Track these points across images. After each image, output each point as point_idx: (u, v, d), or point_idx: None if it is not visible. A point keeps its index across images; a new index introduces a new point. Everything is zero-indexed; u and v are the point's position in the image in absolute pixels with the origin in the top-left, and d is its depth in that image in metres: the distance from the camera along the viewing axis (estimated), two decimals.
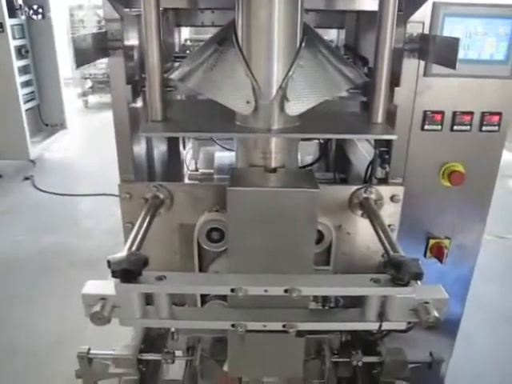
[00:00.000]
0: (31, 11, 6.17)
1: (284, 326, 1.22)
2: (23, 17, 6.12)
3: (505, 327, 3.47)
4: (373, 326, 1.25)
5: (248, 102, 1.28)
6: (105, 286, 1.21)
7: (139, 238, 1.43)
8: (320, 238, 1.52)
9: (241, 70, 1.29)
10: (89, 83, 9.73)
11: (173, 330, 2.00)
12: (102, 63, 9.81)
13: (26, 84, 6.43)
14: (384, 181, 1.92)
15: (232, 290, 1.16)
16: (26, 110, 6.43)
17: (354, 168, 2.59)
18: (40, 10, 6.23)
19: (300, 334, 1.28)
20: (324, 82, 1.34)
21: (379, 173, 1.94)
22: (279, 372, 1.45)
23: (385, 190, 1.83)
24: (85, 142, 7.50)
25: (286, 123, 1.34)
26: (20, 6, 5.92)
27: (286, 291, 1.17)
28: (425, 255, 2.07)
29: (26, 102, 6.46)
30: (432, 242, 2.04)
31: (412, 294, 1.20)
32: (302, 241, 1.28)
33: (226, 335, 1.87)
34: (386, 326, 1.26)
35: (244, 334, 1.26)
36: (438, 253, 2.03)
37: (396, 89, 1.76)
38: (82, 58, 1.47)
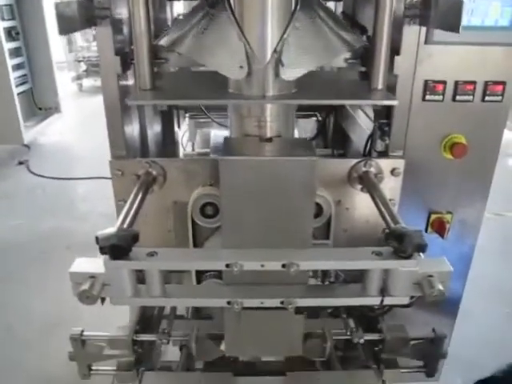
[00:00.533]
0: None
1: (282, 303, 1.18)
2: None
3: (501, 303, 3.46)
4: (374, 301, 1.21)
5: (241, 67, 1.21)
6: (94, 263, 1.17)
7: (131, 215, 1.38)
8: (318, 212, 1.47)
9: (233, 33, 1.22)
10: (83, 66, 9.56)
11: (168, 311, 1.97)
12: (95, 46, 9.67)
13: (17, 67, 6.29)
14: (384, 154, 1.86)
15: (227, 266, 1.11)
16: (19, 94, 6.31)
17: (353, 144, 2.52)
18: None
19: (299, 310, 1.23)
20: (321, 45, 1.27)
21: (379, 146, 1.88)
22: (278, 351, 1.41)
23: (385, 164, 1.77)
24: (79, 125, 7.40)
25: (282, 90, 1.27)
26: None
27: (283, 266, 1.12)
28: (426, 230, 2.02)
29: (18, 85, 6.32)
30: (433, 216, 1.99)
31: (415, 267, 1.16)
32: (300, 213, 1.22)
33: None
34: (388, 301, 1.22)
35: (240, 311, 1.21)
36: (440, 228, 1.98)
37: (396, 58, 1.69)
38: (66, 25, 1.40)
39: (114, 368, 1.74)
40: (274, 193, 1.19)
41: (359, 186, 1.81)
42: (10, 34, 6.04)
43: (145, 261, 1.13)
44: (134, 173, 1.75)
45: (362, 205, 1.89)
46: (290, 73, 1.20)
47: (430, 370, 1.78)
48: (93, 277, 1.14)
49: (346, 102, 1.60)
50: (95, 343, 1.72)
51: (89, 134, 6.56)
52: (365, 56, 1.74)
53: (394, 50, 1.67)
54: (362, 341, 1.69)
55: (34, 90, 6.76)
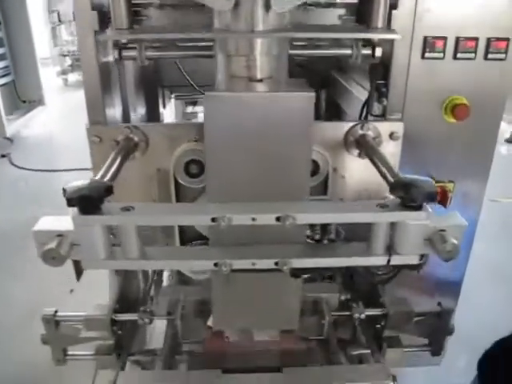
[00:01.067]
0: None
1: (276, 264, 1.04)
2: None
3: (500, 285, 3.38)
4: (380, 260, 1.08)
5: None
6: (62, 221, 1.02)
7: (108, 177, 1.23)
8: (315, 169, 1.33)
9: None
10: (68, 61, 9.34)
11: (152, 293, 1.84)
12: None
13: None
14: (382, 118, 1.74)
15: (213, 220, 0.97)
16: (1, 86, 6.11)
17: (347, 117, 2.40)
18: None
19: (295, 274, 1.10)
20: None
21: (376, 109, 1.76)
22: (272, 323, 1.28)
23: (383, 127, 1.65)
24: (64, 117, 7.16)
25: (273, 23, 1.11)
26: None
27: (277, 219, 0.98)
28: None
29: (1, 76, 6.12)
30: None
31: (425, 220, 1.03)
32: (296, 160, 1.08)
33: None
34: (395, 260, 1.09)
35: (229, 275, 1.08)
36: (442, 197, 1.86)
37: (394, 12, 1.57)
38: None
39: (92, 352, 1.60)
40: (266, 135, 1.05)
41: (356, 151, 1.69)
42: None
43: (119, 215, 0.99)
44: (114, 139, 1.61)
45: (359, 173, 1.77)
46: (283, 3, 1.06)
47: (436, 348, 1.67)
48: (60, 235, 1.00)
49: (345, 36, 1.46)
50: (70, 325, 1.57)
51: (73, 126, 6.30)
52: (360, 11, 1.62)
53: (391, 4, 1.56)
54: (362, 316, 1.57)
55: (17, 83, 6.55)
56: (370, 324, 1.68)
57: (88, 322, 1.52)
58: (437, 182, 1.87)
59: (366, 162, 1.61)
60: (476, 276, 3.07)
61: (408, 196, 0.99)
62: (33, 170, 5.38)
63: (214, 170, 1.06)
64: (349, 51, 1.51)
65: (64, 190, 0.99)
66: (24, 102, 6.72)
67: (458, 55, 1.64)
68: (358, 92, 2.15)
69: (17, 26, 6.21)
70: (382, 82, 1.70)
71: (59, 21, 8.49)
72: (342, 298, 1.72)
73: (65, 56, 9.15)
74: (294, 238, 1.09)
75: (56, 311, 1.55)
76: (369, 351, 1.66)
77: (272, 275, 1.12)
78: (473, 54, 1.65)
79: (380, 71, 1.70)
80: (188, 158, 1.31)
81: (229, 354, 1.55)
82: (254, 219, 0.97)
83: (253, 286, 1.15)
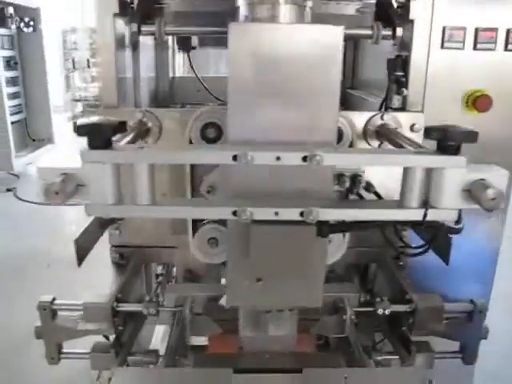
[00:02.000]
0: (22, 23, 6.09)
1: (301, 215, 0.94)
2: (14, 27, 6.02)
3: None
4: (415, 214, 0.97)
5: None
6: (69, 159, 0.94)
7: None
8: (339, 136, 1.24)
9: None
10: (79, 107, 9.59)
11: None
12: (94, 86, 9.78)
13: (13, 96, 6.23)
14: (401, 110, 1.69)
15: (234, 158, 0.89)
16: (13, 123, 6.21)
17: None
18: (31, 23, 6.15)
19: (321, 230, 0.99)
20: None
21: (395, 101, 1.71)
22: (292, 299, 1.13)
23: (403, 117, 1.60)
24: (71, 157, 7.22)
25: None
26: (11, 14, 5.83)
27: (304, 159, 0.90)
28: None
29: (13, 114, 6.24)
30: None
31: (463, 166, 0.94)
32: (323, 98, 0.99)
33: (221, 293, 1.60)
34: (432, 214, 0.98)
35: (246, 240, 0.98)
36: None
37: (412, 2, 1.58)
38: None
39: (89, 351, 1.44)
40: (292, 69, 0.97)
41: (377, 143, 1.63)
42: (9, 63, 6.05)
43: (131, 152, 0.91)
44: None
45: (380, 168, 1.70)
46: None
47: (469, 355, 1.50)
48: (66, 173, 0.91)
49: None
50: (68, 317, 1.43)
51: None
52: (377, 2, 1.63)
53: None
54: (387, 312, 1.42)
55: (28, 121, 6.67)
56: (394, 326, 1.53)
57: (87, 311, 1.38)
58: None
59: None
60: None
61: (446, 135, 0.91)
62: (37, 203, 5.33)
63: (236, 108, 0.98)
64: (369, 31, 1.49)
65: (74, 124, 0.91)
66: (34, 140, 6.80)
67: (478, 46, 1.63)
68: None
69: (32, 66, 6.44)
70: (401, 73, 1.67)
71: (74, 67, 8.82)
72: (362, 299, 1.58)
73: (77, 101, 9.40)
74: (321, 190, 0.99)
75: (54, 299, 1.42)
76: (396, 357, 1.49)
77: (295, 239, 1.02)
78: (493, 45, 1.63)
79: (398, 63, 1.68)
80: (205, 120, 1.25)
81: (239, 354, 1.39)
82: (278, 158, 0.89)
83: (273, 253, 1.04)
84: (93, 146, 0.90)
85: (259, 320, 1.38)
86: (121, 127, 0.93)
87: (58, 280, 3.31)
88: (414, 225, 1.01)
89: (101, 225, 1.69)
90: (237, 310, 1.38)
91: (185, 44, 2.40)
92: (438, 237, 1.11)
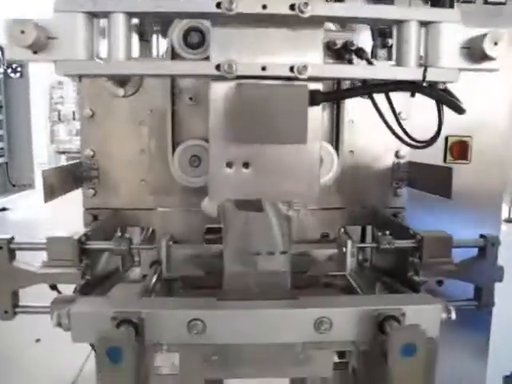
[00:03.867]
0: (10, 69, 6.21)
1: (292, 70, 0.84)
2: (1, 71, 6.13)
3: None
4: (414, 73, 0.88)
5: None
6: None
7: None
8: None
9: None
10: (63, 160, 9.54)
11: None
12: (78, 140, 9.82)
13: None
14: None
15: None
16: None
17: None
18: (19, 69, 6.28)
19: (315, 99, 0.88)
20: None
21: None
22: (284, 192, 0.98)
23: None
24: (50, 204, 7.05)
25: None
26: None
27: (292, 8, 0.82)
28: (445, 158, 1.74)
29: None
30: (452, 140, 1.73)
31: (458, 20, 0.88)
32: None
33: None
34: (432, 74, 0.90)
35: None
36: (462, 151, 1.71)
37: None
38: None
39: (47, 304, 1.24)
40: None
41: None
42: None
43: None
44: None
45: (370, 118, 1.64)
46: None
47: (484, 300, 1.34)
48: (35, 24, 0.82)
49: None
50: (27, 264, 1.24)
51: (59, 212, 6.23)
52: None
53: None
54: (392, 247, 1.28)
55: (10, 165, 6.57)
56: (399, 275, 1.37)
57: (51, 245, 1.20)
58: (453, 136, 1.75)
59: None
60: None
61: None
62: None
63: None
64: None
65: None
66: (14, 185, 6.67)
67: None
68: None
69: (17, 111, 6.48)
70: None
71: (59, 119, 8.91)
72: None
73: (61, 153, 9.38)
74: (311, 44, 0.89)
75: (12, 237, 1.24)
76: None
77: (285, 103, 0.91)
78: None
79: None
80: (188, 25, 1.17)
81: (225, 290, 1.21)
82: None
83: (260, 126, 0.91)
84: None
85: (247, 258, 1.22)
86: None
87: None
88: (413, 91, 0.92)
89: (74, 177, 1.56)
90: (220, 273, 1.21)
91: None
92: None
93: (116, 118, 1.58)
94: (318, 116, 1.00)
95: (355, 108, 1.55)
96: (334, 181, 1.63)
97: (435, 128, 1.02)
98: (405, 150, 1.66)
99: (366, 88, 0.95)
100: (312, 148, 0.99)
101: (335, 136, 1.53)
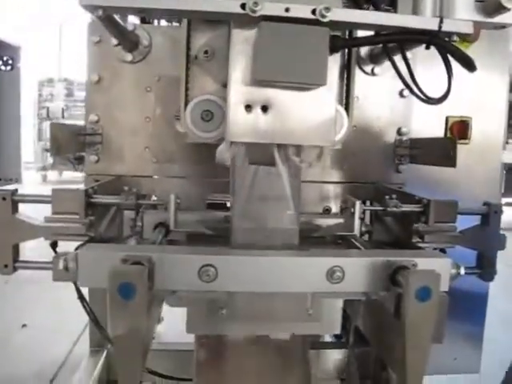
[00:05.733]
0: (0, 62, 6.12)
1: (314, 13, 0.85)
2: None
3: None
4: (431, 22, 0.90)
5: None
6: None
7: None
8: None
9: None
10: (50, 159, 9.42)
11: None
12: None
13: None
14: None
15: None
16: None
17: None
18: (10, 62, 6.19)
19: (335, 45, 0.89)
20: None
21: None
22: (300, 135, 0.98)
23: None
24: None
25: None
26: None
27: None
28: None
29: None
30: (452, 120, 1.76)
31: None
32: None
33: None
34: (448, 25, 0.91)
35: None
36: (463, 131, 1.74)
37: None
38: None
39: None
40: None
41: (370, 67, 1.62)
42: None
43: None
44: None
45: (374, 95, 1.66)
46: None
47: (487, 268, 1.35)
48: None
49: None
50: (29, 220, 1.22)
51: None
52: None
53: None
54: (399, 210, 1.29)
55: None
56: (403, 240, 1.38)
57: (57, 197, 1.17)
58: (453, 116, 1.78)
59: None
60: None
61: None
62: None
63: None
64: None
65: None
66: (0, 180, 6.51)
67: None
68: None
69: (7, 104, 6.35)
70: None
71: (48, 117, 8.81)
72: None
73: (47, 151, 9.24)
74: None
75: (16, 189, 1.21)
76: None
77: (306, 42, 0.91)
78: None
79: None
80: None
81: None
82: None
83: (280, 66, 0.92)
84: None
85: (255, 214, 1.21)
86: None
87: None
88: (429, 43, 0.93)
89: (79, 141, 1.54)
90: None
91: None
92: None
93: (123, 84, 1.57)
94: (335, 68, 1.02)
95: (360, 85, 1.58)
96: (338, 155, 1.65)
97: None
98: (407, 127, 1.69)
99: (384, 36, 0.97)
100: (329, 96, 0.99)
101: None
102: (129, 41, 1.51)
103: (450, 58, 1.05)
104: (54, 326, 2.68)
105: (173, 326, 1.73)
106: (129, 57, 1.54)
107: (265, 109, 0.97)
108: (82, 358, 1.78)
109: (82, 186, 1.24)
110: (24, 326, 2.76)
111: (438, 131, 1.77)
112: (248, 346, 1.28)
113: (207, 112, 1.18)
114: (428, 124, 1.75)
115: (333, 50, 0.92)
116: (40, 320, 2.80)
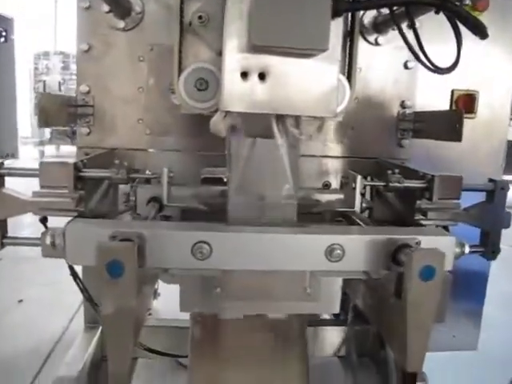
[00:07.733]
0: None
1: None
2: None
3: None
4: None
5: None
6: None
7: None
8: None
9: None
10: (47, 134, 9.31)
11: None
12: None
13: None
14: None
15: None
16: None
17: None
18: (3, 34, 6.03)
19: (337, 8, 0.82)
20: None
21: None
22: (301, 106, 0.92)
23: None
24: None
25: None
26: None
27: None
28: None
29: None
30: (457, 94, 1.69)
31: None
32: None
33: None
34: None
35: None
36: (469, 104, 1.67)
37: None
38: None
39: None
40: None
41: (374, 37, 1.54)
42: None
43: None
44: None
45: (377, 64, 1.59)
46: None
47: (491, 247, 1.31)
48: None
49: None
50: (16, 194, 1.16)
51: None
52: None
53: None
54: (401, 185, 1.24)
55: None
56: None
57: (45, 170, 1.11)
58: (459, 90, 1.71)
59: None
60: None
61: None
62: None
63: None
64: None
65: None
66: None
67: None
68: None
69: (1, 78, 6.22)
70: None
71: (44, 91, 8.65)
72: None
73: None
74: None
75: (2, 163, 1.16)
76: None
77: (306, 3, 0.85)
78: None
79: None
80: None
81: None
82: None
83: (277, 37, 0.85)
84: None
85: (252, 188, 1.16)
86: None
87: None
88: (439, 7, 0.86)
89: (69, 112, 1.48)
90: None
91: None
92: None
93: (114, 53, 1.50)
94: (338, 35, 0.95)
95: (363, 55, 1.51)
96: (338, 128, 1.59)
97: None
98: (411, 100, 1.62)
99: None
100: (331, 63, 0.93)
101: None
102: (121, 7, 1.43)
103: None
104: (50, 302, 2.67)
105: (170, 302, 1.70)
106: (121, 24, 1.47)
107: (262, 76, 0.90)
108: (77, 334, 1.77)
109: (71, 159, 1.18)
110: (21, 301, 2.75)
111: (443, 105, 1.70)
112: (244, 324, 1.25)
113: (201, 80, 1.12)
114: (433, 97, 1.68)
115: (335, 13, 0.85)
116: (36, 295, 2.79)
